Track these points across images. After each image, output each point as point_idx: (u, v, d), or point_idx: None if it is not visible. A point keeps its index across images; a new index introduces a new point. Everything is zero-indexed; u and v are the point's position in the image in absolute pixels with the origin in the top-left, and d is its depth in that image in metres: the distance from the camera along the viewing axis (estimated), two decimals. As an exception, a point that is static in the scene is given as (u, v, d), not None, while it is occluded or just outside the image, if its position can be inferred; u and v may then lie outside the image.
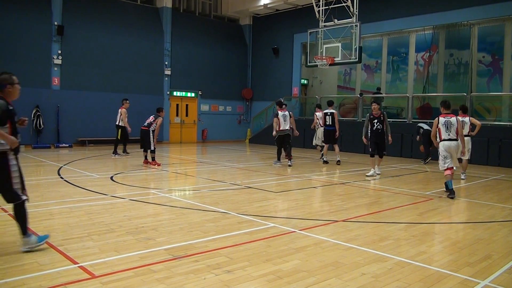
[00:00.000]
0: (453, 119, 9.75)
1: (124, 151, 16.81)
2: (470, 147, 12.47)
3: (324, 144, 15.86)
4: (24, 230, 5.14)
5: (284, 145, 14.56)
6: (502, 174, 13.92)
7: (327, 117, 15.35)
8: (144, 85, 23.00)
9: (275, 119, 14.54)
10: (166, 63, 23.97)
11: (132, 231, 6.11)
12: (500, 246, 5.92)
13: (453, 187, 9.55)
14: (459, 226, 6.98)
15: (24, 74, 18.96)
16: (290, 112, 14.89)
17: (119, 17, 22.36)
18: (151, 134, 13.68)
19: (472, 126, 12.47)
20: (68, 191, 9.16)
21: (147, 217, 7.01)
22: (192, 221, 6.85)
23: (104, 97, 21.36)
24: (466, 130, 11.94)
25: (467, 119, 12.19)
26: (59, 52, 20.05)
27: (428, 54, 21.00)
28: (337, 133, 15.36)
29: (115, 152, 16.37)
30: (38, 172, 12.26)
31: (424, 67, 21.19)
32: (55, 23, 19.94)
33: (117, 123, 16.35)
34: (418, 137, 16.09)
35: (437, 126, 9.86)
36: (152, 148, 13.74)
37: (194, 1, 26.65)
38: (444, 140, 9.77)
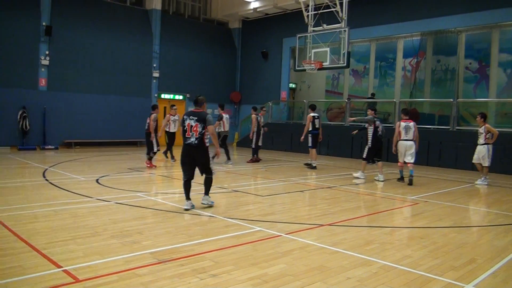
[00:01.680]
0: (411, 124, 12.25)
1: (166, 154, 16.60)
2: (485, 153, 12.62)
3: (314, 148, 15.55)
4: None
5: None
6: (488, 179, 14.02)
7: (316, 120, 15.23)
8: (132, 87, 22.88)
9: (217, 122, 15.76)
10: (155, 65, 23.89)
11: (117, 235, 6.07)
12: (484, 250, 5.96)
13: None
14: (444, 231, 7.02)
15: (11, 75, 18.90)
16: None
17: (108, 19, 22.25)
18: (153, 135, 14.06)
19: (490, 134, 12.60)
20: (53, 194, 9.08)
21: (132, 221, 6.97)
22: (178, 224, 6.82)
23: (91, 99, 21.23)
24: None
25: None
26: (47, 52, 19.89)
27: (415, 60, 21.15)
28: (320, 137, 15.46)
29: (172, 157, 16.28)
30: (23, 174, 12.15)
31: (412, 73, 21.33)
32: (44, 23, 19.77)
33: (167, 130, 16.29)
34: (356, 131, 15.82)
35: (399, 129, 12.28)
36: (155, 150, 14.06)
37: (184, 3, 26.62)
38: (402, 140, 12.28)
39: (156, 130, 14.13)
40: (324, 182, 12.37)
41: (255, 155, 16.91)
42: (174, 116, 16.40)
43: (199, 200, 8.41)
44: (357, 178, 13.08)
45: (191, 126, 7.79)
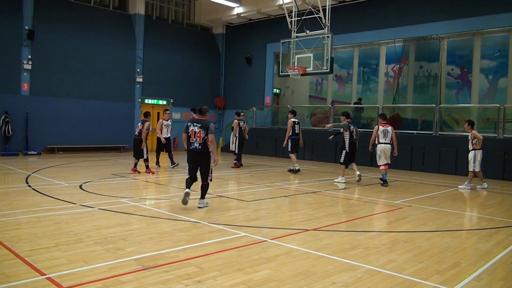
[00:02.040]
0: (389, 128, 12.87)
1: (158, 163, 16.03)
2: (472, 158, 12.88)
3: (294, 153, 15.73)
4: None
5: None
6: (470, 183, 14.16)
7: (296, 125, 15.51)
8: (115, 92, 22.74)
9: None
10: (138, 70, 23.77)
11: (101, 241, 6.01)
12: (468, 254, 6.02)
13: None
14: (428, 235, 7.07)
15: (-8, 80, 18.67)
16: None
17: (91, 23, 22.09)
18: (144, 143, 13.83)
19: (476, 139, 12.81)
20: (36, 200, 8.97)
21: (116, 227, 6.91)
22: (162, 230, 6.78)
23: (74, 103, 21.05)
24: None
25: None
26: (29, 57, 19.68)
27: (398, 66, 21.37)
28: (301, 142, 15.82)
29: (172, 163, 16.00)
30: (5, 180, 11.99)
31: (394, 79, 21.53)
32: (26, 27, 19.58)
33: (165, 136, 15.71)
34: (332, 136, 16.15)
35: (377, 133, 12.85)
36: (145, 157, 13.88)
37: (167, 8, 26.55)
38: (381, 143, 12.82)
39: (145, 138, 13.96)
40: (309, 187, 12.40)
41: (239, 161, 16.93)
42: (167, 120, 15.87)
43: (191, 206, 8.37)
44: (339, 183, 13.31)
45: (195, 132, 8.52)
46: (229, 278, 4.73)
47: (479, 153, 12.81)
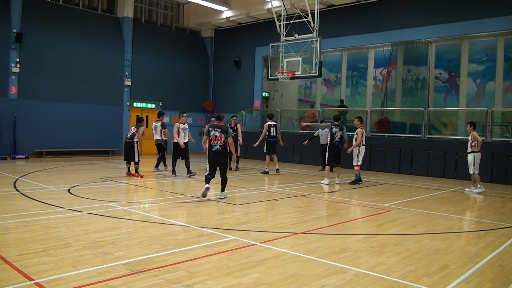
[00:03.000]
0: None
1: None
2: (472, 161, 12.88)
3: (269, 155, 16.38)
4: None
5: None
6: (458, 186, 14.29)
7: (272, 128, 16.08)
8: (103, 95, 22.65)
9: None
10: (127, 73, 23.70)
11: (89, 246, 5.97)
12: (457, 256, 6.05)
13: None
14: (417, 237, 7.10)
15: (-21, 83, 18.52)
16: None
17: (79, 26, 22.00)
18: (135, 146, 13.79)
19: (475, 141, 12.82)
20: (24, 204, 8.90)
21: (105, 231, 6.87)
22: (151, 234, 6.75)
23: (62, 107, 20.92)
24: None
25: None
26: (17, 60, 19.54)
27: (386, 69, 21.48)
28: (281, 142, 16.54)
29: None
30: (-8, 184, 11.90)
31: (383, 82, 21.64)
32: (14, 30, 19.44)
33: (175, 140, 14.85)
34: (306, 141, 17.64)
35: (362, 136, 13.69)
36: (137, 160, 13.90)
37: (156, 12, 26.52)
38: (364, 145, 13.81)
39: (140, 142, 13.89)
40: (298, 190, 12.41)
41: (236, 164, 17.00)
42: (184, 124, 14.89)
43: (179, 210, 8.34)
44: (323, 184, 13.67)
45: (216, 136, 9.94)
46: (218, 282, 4.72)
47: (478, 156, 12.82)
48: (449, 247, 6.58)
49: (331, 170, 15.16)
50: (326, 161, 14.08)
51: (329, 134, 13.96)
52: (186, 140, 14.90)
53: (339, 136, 13.73)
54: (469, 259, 5.95)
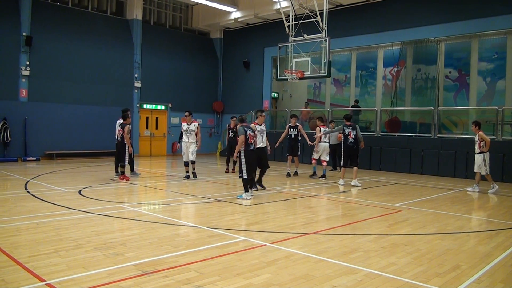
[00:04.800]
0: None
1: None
2: (481, 162, 12.73)
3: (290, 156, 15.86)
4: None
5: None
6: (469, 186, 14.18)
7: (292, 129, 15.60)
8: (113, 97, 22.74)
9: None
10: (136, 75, 23.80)
11: (100, 247, 6.00)
12: (468, 256, 6.01)
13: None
14: (428, 237, 7.06)
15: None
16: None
17: (89, 29, 22.13)
18: (126, 147, 13.27)
19: (483, 142, 12.65)
20: (35, 206, 8.96)
21: (115, 232, 6.90)
22: (162, 235, 6.77)
23: (73, 109, 21.06)
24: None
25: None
26: (27, 63, 19.70)
27: (396, 69, 21.40)
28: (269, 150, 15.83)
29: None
30: (4, 187, 11.98)
31: (392, 82, 21.56)
32: (24, 33, 19.61)
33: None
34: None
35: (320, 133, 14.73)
36: (126, 162, 13.36)
37: (165, 13, 26.61)
38: (325, 142, 15.09)
39: (130, 142, 13.44)
40: (308, 190, 12.39)
41: None
42: (260, 125, 13.72)
43: (189, 210, 8.34)
44: (340, 185, 13.49)
45: (250, 135, 10.56)
46: (229, 283, 4.72)
47: (487, 156, 12.62)
48: (460, 247, 6.53)
49: (336, 169, 16.06)
50: (342, 163, 13.82)
51: (342, 135, 13.69)
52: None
53: (352, 136, 13.41)
54: (481, 259, 5.91)
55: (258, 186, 12.09)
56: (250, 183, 10.68)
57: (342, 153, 13.75)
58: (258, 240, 6.58)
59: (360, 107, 21.73)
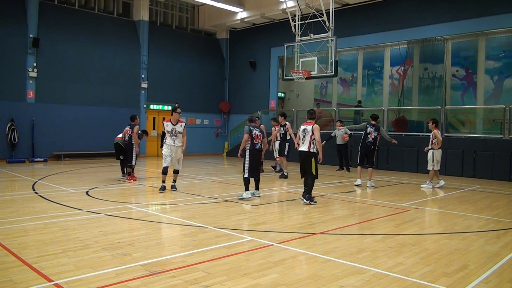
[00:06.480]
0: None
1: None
2: (430, 157, 13.39)
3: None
4: None
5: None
6: (477, 185, 14.14)
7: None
8: (120, 98, 22.82)
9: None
10: (143, 76, 23.86)
11: (108, 247, 6.02)
12: (476, 256, 5.99)
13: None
14: (435, 237, 7.04)
15: (-2, 87, 18.79)
16: None
17: (95, 30, 22.21)
18: (133, 147, 13.26)
19: (435, 139, 13.31)
20: (43, 207, 9.00)
21: (123, 232, 6.92)
22: (169, 235, 6.79)
23: (80, 110, 21.15)
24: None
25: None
26: (35, 64, 19.80)
27: (402, 68, 21.33)
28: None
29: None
30: (12, 187, 12.04)
31: (399, 81, 21.50)
32: (31, 35, 19.71)
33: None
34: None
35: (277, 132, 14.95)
36: (134, 163, 13.39)
37: (171, 14, 26.67)
38: (279, 140, 15.21)
39: (137, 143, 13.47)
40: (315, 190, 12.34)
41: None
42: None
43: (197, 211, 8.34)
44: (355, 185, 13.39)
45: (257, 135, 10.55)
46: (236, 283, 4.72)
47: (438, 153, 13.22)
48: (468, 246, 6.51)
49: (343, 169, 16.64)
50: (358, 161, 13.60)
51: (363, 133, 13.39)
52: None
53: (373, 136, 13.15)
54: (488, 258, 5.88)
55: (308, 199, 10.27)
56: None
57: (359, 151, 13.57)
58: (265, 240, 6.58)
59: (362, 107, 21.69)
